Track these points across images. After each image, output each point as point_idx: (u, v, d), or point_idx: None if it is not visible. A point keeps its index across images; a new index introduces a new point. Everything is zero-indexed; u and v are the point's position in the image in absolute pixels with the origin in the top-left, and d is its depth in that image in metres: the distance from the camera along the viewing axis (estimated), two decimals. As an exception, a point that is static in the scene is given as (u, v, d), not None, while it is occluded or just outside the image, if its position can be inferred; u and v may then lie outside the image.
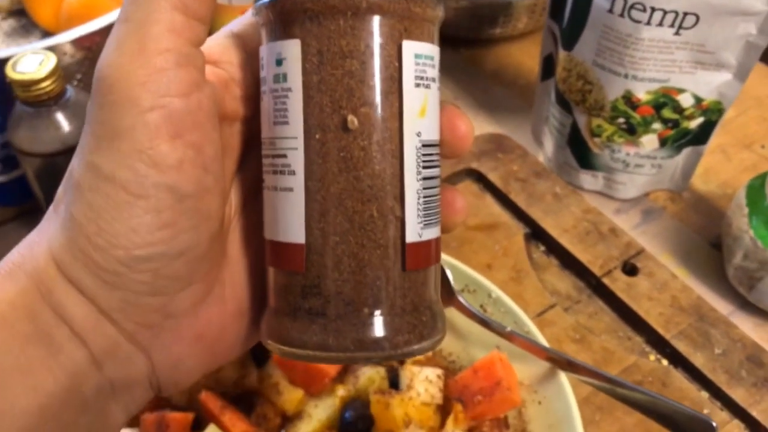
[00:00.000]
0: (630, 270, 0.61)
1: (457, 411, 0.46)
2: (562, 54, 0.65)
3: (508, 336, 0.48)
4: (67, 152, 0.58)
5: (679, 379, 0.55)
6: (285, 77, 0.26)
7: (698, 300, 0.59)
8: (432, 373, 0.47)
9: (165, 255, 0.26)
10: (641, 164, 0.67)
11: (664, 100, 0.63)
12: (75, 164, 0.26)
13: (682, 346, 0.56)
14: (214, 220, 0.27)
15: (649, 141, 0.65)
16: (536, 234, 0.65)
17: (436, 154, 0.28)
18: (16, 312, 0.25)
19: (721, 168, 0.73)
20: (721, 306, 0.61)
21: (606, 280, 0.60)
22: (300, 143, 0.26)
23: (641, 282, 0.60)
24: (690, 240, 0.67)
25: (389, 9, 0.26)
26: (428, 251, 0.28)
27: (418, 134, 0.27)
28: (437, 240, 0.28)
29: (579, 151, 0.68)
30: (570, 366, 0.47)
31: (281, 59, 0.26)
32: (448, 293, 0.50)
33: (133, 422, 0.47)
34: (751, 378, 0.54)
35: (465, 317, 0.50)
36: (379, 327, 0.26)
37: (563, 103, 0.68)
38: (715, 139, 0.72)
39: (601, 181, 0.69)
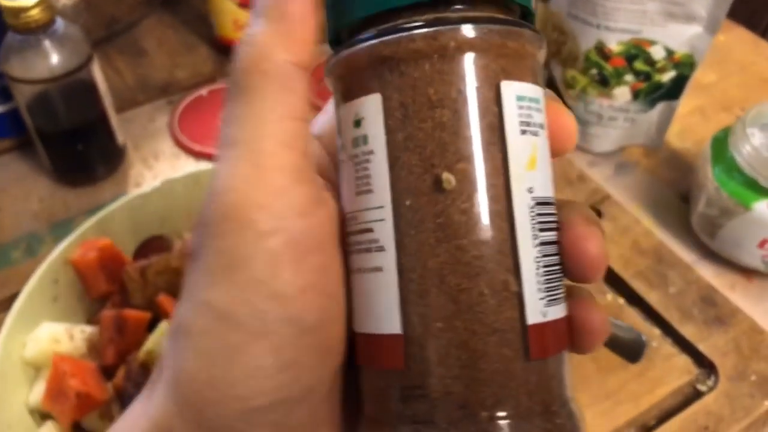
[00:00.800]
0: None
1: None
2: (539, 5, 0.67)
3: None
4: (54, 80, 0.61)
5: (633, 315, 0.57)
6: (365, 139, 0.23)
7: (659, 244, 0.60)
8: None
9: (287, 401, 0.22)
10: (615, 117, 0.69)
11: (636, 52, 0.64)
12: (182, 311, 0.23)
13: (638, 285, 0.58)
14: (338, 354, 0.23)
15: (622, 93, 0.67)
16: (507, 180, 0.67)
17: (553, 214, 0.23)
18: None
19: (698, 127, 0.74)
20: (685, 255, 0.62)
21: (569, 223, 0.62)
22: (388, 213, 0.22)
23: (604, 225, 0.62)
24: (660, 193, 0.68)
25: (482, 46, 0.22)
26: (557, 333, 0.23)
27: (530, 190, 0.22)
28: (566, 319, 0.23)
29: (554, 103, 0.70)
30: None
31: (360, 119, 0.23)
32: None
33: (94, 321, 0.49)
34: (701, 316, 0.56)
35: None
36: None
37: (540, 56, 0.69)
38: (695, 100, 0.73)
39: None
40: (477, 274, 0.22)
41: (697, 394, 0.52)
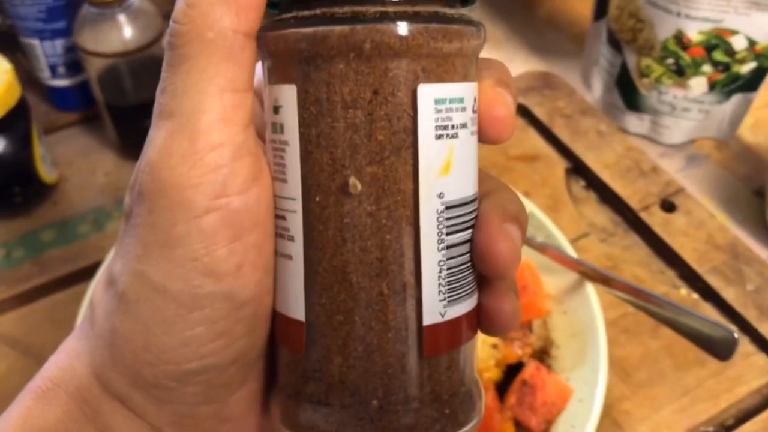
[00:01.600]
0: (668, 207, 0.61)
1: (484, 313, 0.47)
2: (616, -9, 0.65)
3: (541, 248, 0.49)
4: (126, 54, 0.60)
5: (708, 311, 0.55)
6: (282, 128, 0.22)
7: (734, 240, 0.59)
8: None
9: (218, 365, 0.23)
10: (688, 108, 0.67)
11: (716, 42, 0.62)
12: (117, 269, 0.23)
13: (714, 281, 0.56)
14: (269, 322, 0.24)
15: (698, 84, 0.65)
16: (577, 169, 0.65)
17: (469, 212, 0.23)
18: None
19: (771, 121, 0.72)
20: (761, 251, 0.61)
21: (643, 215, 0.60)
22: (298, 206, 0.22)
23: (678, 219, 0.60)
24: (733, 187, 0.66)
25: (401, 48, 0.21)
26: (454, 331, 0.23)
27: (440, 195, 0.22)
28: (470, 314, 0.24)
29: (627, 92, 0.69)
30: (601, 279, 0.47)
31: (278, 106, 0.23)
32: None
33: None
34: (781, 315, 0.54)
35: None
36: (389, 422, 0.23)
37: (614, 43, 0.68)
38: (769, 92, 0.71)
39: (647, 124, 0.69)
40: (378, 275, 0.22)
41: (776, 395, 0.51)
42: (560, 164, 0.65)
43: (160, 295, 0.22)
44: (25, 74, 0.69)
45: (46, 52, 0.66)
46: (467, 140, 0.23)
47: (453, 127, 0.22)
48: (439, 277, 0.23)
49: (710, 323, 0.43)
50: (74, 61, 0.67)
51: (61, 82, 0.68)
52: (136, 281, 0.22)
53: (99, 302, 0.24)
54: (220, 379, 0.24)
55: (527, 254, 0.49)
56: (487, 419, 0.43)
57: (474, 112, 0.23)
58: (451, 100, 0.22)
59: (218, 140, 0.22)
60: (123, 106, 0.65)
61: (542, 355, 0.48)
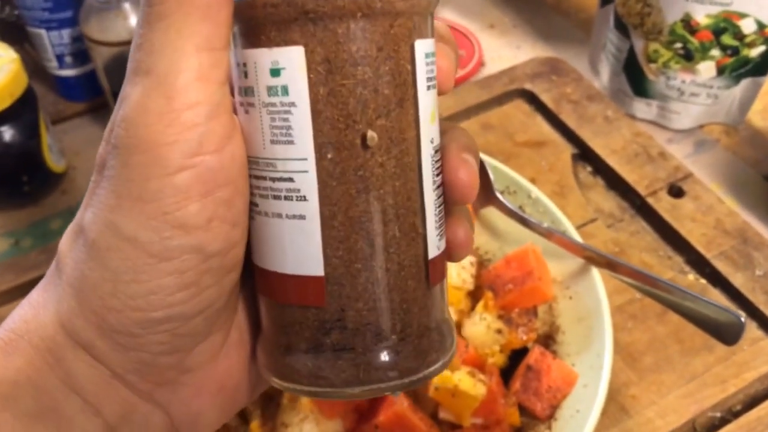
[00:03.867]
0: (676, 192, 0.61)
1: (488, 298, 0.47)
2: (623, -25, 0.65)
3: (546, 233, 0.49)
4: (133, 43, 0.60)
5: (716, 297, 0.55)
6: (285, 90, 0.23)
7: (743, 224, 0.59)
8: (465, 259, 0.48)
9: (184, 315, 0.24)
10: (697, 93, 0.66)
11: (725, 26, 0.62)
12: (87, 219, 0.23)
13: (722, 266, 0.56)
14: (236, 271, 0.25)
15: (707, 68, 0.65)
16: (584, 155, 0.65)
17: (441, 157, 0.26)
18: (20, 390, 0.24)
19: (781, 106, 0.72)
20: (769, 236, 0.60)
21: (650, 200, 0.60)
22: (311, 165, 0.23)
23: (686, 204, 0.60)
24: (743, 172, 0.66)
25: (401, 8, 0.23)
26: (444, 262, 0.26)
27: (432, 141, 0.25)
28: (446, 248, 0.27)
29: (634, 77, 0.68)
30: (607, 264, 0.47)
31: (278, 69, 0.23)
32: (488, 192, 0.52)
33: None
34: (790, 300, 0.54)
35: (503, 217, 0.51)
36: (411, 352, 0.25)
37: (621, 28, 0.67)
38: (778, 76, 0.70)
39: (655, 109, 0.69)
40: (391, 220, 0.24)
41: (784, 380, 0.51)
42: (567, 150, 0.65)
43: (130, 245, 0.22)
44: (33, 64, 0.70)
45: (52, 42, 0.66)
46: (436, 91, 0.25)
47: (433, 78, 0.25)
48: (435, 214, 0.25)
49: (717, 308, 0.43)
50: (81, 51, 0.67)
51: (68, 72, 0.69)
52: (108, 230, 0.23)
53: (67, 252, 0.24)
54: (185, 329, 0.24)
55: (533, 238, 0.49)
56: (491, 404, 0.43)
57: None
58: (432, 54, 0.25)
59: (195, 99, 0.22)
60: (129, 95, 0.65)
61: (547, 340, 0.48)
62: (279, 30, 0.23)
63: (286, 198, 0.24)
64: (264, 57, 0.23)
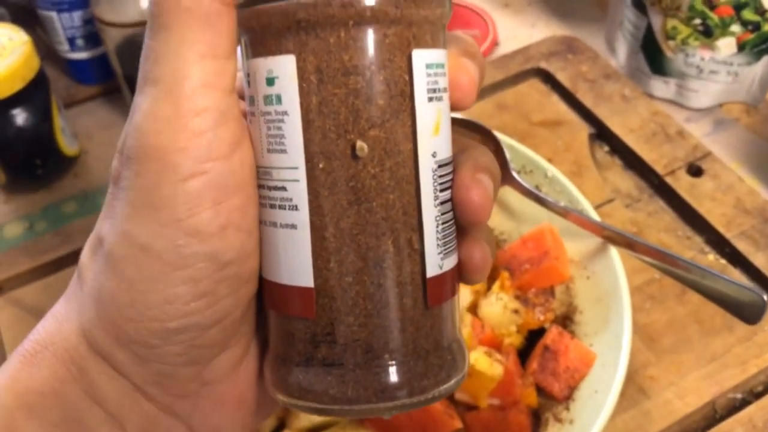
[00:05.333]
0: (695, 172, 0.60)
1: (504, 278, 0.47)
2: (640, -49, 0.63)
3: (563, 212, 0.48)
4: (144, 24, 0.60)
5: (736, 276, 0.54)
6: (279, 99, 0.23)
7: (764, 203, 0.58)
8: (482, 239, 0.48)
9: (200, 325, 0.24)
10: (716, 70, 0.65)
11: (746, 0, 0.60)
12: (105, 230, 0.24)
13: (742, 246, 0.55)
14: (253, 284, 0.25)
15: (727, 45, 0.63)
16: (601, 135, 0.64)
17: (451, 172, 0.25)
18: (46, 400, 0.24)
19: (803, 83, 0.70)
20: (790, 216, 0.59)
21: (669, 179, 0.59)
22: (302, 174, 0.23)
23: (705, 183, 0.59)
24: (763, 151, 0.64)
25: (396, 16, 0.22)
26: (449, 283, 0.25)
27: (434, 155, 0.24)
28: (456, 268, 0.26)
29: (652, 54, 0.67)
30: (625, 242, 0.46)
31: (273, 78, 0.23)
32: (505, 171, 0.51)
33: None
34: (812, 279, 0.53)
35: (520, 197, 0.50)
36: (402, 374, 0.24)
37: (639, 5, 0.66)
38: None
39: (673, 88, 0.68)
40: (384, 233, 0.23)
41: (806, 361, 0.50)
42: (584, 129, 0.64)
43: (145, 254, 0.23)
44: (45, 48, 0.70)
45: (64, 24, 0.66)
46: (447, 104, 0.25)
47: (438, 90, 0.24)
48: (437, 231, 0.24)
49: (738, 286, 0.42)
50: (92, 34, 0.66)
51: (80, 55, 0.68)
52: (123, 240, 0.23)
53: (88, 263, 0.25)
54: (203, 340, 0.24)
55: (549, 218, 0.49)
56: (508, 385, 0.43)
57: (447, 80, 0.25)
58: (437, 65, 0.24)
59: (202, 105, 0.22)
60: (141, 78, 0.64)
61: (565, 321, 0.48)
62: (274, 39, 0.23)
63: (280, 207, 0.24)
64: (261, 66, 0.23)
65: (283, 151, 0.23)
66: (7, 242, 0.59)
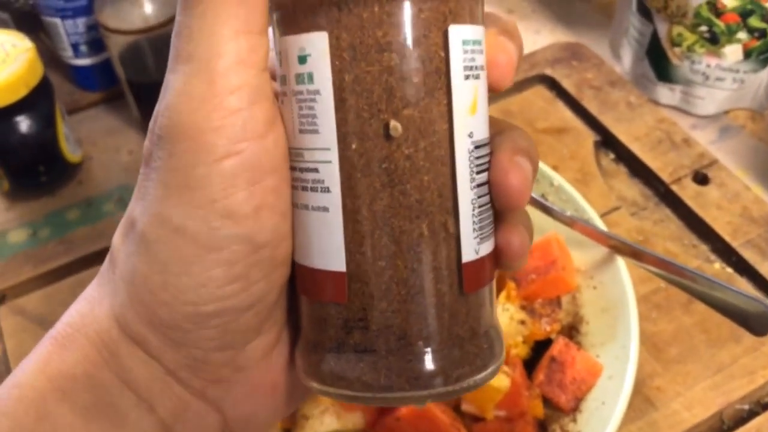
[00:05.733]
0: (701, 180, 0.60)
1: (510, 288, 0.46)
2: (646, -43, 0.63)
3: (569, 221, 0.48)
4: (148, 31, 0.60)
5: (743, 285, 0.54)
6: (311, 77, 0.22)
7: (771, 212, 0.57)
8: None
9: (234, 309, 0.23)
10: (722, 77, 0.65)
11: (752, 7, 0.60)
12: (138, 212, 0.23)
13: (749, 255, 0.55)
14: (286, 267, 0.24)
15: (733, 52, 0.63)
16: (606, 142, 0.64)
17: (488, 153, 0.24)
18: (77, 384, 0.24)
19: (809, 90, 0.70)
20: (796, 224, 0.59)
21: (675, 188, 0.59)
22: (334, 155, 0.22)
23: (711, 191, 0.59)
24: (769, 159, 0.64)
25: None
26: (486, 268, 0.24)
27: (470, 135, 0.23)
28: (492, 253, 0.25)
29: (657, 61, 0.67)
30: (632, 252, 0.46)
31: (305, 56, 0.22)
32: (510, 180, 0.51)
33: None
34: (819, 289, 0.53)
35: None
36: (436, 361, 0.23)
37: (644, 11, 0.66)
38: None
39: (679, 95, 0.67)
40: (418, 216, 0.22)
41: (814, 371, 0.49)
42: (589, 137, 0.64)
43: (179, 236, 0.22)
44: (48, 54, 0.69)
45: (67, 30, 0.65)
46: (485, 83, 0.24)
47: (476, 68, 0.23)
48: (473, 215, 0.23)
49: (745, 297, 0.42)
50: (96, 40, 0.66)
51: (84, 61, 0.68)
52: (156, 221, 0.22)
53: (120, 246, 0.24)
54: (236, 324, 0.24)
55: (556, 228, 0.48)
56: (515, 396, 0.43)
57: (485, 57, 0.24)
58: (474, 42, 0.23)
59: (236, 83, 0.22)
60: (145, 84, 0.64)
61: (571, 331, 0.47)
62: (306, 16, 0.22)
63: (312, 189, 0.23)
64: (293, 44, 0.22)
65: (315, 132, 0.22)
66: (10, 248, 0.59)
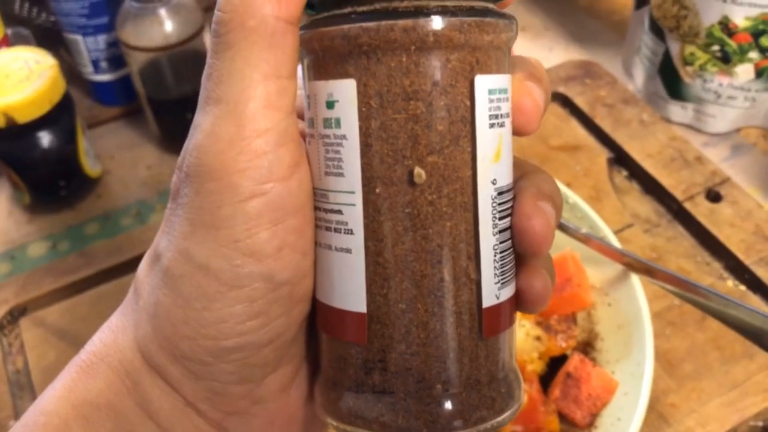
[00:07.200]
0: (714, 197, 0.60)
1: (527, 304, 0.47)
2: (659, -22, 0.64)
3: (584, 238, 0.49)
4: (168, 48, 0.61)
5: (756, 303, 0.54)
6: (338, 122, 0.23)
7: (784, 230, 0.58)
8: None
9: (254, 344, 0.24)
10: (734, 96, 0.66)
11: (764, 27, 0.61)
12: (163, 246, 0.24)
13: (762, 272, 0.55)
14: (306, 303, 0.25)
15: (745, 71, 0.64)
16: (619, 159, 0.64)
17: (511, 198, 0.24)
18: (100, 412, 0.24)
19: (820, 109, 0.70)
20: (808, 242, 0.59)
21: (687, 205, 0.59)
22: (358, 198, 0.23)
23: (724, 209, 0.59)
24: (780, 176, 0.65)
25: (459, 41, 0.22)
26: (506, 313, 0.24)
27: (494, 182, 0.23)
28: (513, 297, 0.25)
29: (670, 80, 0.67)
30: (646, 269, 0.47)
31: (333, 101, 0.23)
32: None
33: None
34: (833, 307, 0.53)
35: (541, 222, 0.51)
36: (454, 405, 0.23)
37: (656, 31, 0.66)
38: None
39: (691, 113, 0.68)
40: (440, 261, 0.23)
41: (827, 389, 0.50)
42: (602, 154, 0.64)
43: (202, 272, 0.23)
44: (69, 69, 0.71)
45: (88, 47, 0.67)
46: (509, 129, 0.24)
47: (501, 116, 0.23)
48: (494, 260, 0.23)
49: (759, 315, 0.42)
50: (116, 56, 0.68)
51: (104, 77, 0.69)
52: (181, 257, 0.23)
53: (144, 278, 0.25)
54: (256, 359, 0.24)
55: (571, 245, 0.49)
56: (531, 412, 0.43)
57: (510, 103, 0.24)
58: (500, 90, 0.23)
59: (264, 126, 0.22)
60: (164, 100, 0.65)
61: (586, 347, 0.48)
62: (335, 63, 0.23)
63: (335, 230, 0.23)
64: (322, 89, 0.23)
65: (341, 175, 0.23)
66: (31, 261, 0.60)
